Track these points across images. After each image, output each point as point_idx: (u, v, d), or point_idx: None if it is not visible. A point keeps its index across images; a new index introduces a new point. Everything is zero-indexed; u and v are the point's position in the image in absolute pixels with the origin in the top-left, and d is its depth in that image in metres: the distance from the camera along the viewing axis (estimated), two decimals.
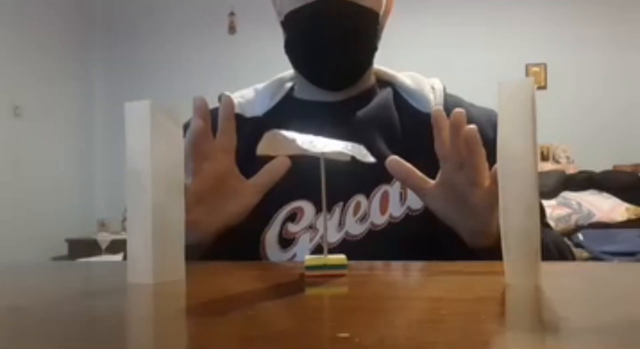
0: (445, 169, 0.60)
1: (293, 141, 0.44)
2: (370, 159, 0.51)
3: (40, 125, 4.07)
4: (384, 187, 0.73)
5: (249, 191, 0.64)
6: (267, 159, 0.62)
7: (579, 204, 2.94)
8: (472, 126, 0.55)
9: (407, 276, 0.53)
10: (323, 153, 0.47)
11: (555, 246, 0.71)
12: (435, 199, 0.62)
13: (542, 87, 3.79)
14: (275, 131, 0.44)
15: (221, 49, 4.35)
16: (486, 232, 0.60)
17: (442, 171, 0.61)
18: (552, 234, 0.76)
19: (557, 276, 0.46)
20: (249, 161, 0.64)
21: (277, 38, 0.82)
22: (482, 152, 0.56)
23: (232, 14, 4.27)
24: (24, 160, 3.91)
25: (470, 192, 0.58)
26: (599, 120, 3.70)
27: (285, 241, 0.72)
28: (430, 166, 0.62)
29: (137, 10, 4.60)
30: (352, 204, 0.73)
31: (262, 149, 0.47)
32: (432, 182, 0.62)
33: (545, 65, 3.85)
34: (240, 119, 0.80)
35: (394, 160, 0.62)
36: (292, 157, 0.63)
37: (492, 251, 0.50)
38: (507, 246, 0.41)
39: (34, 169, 3.96)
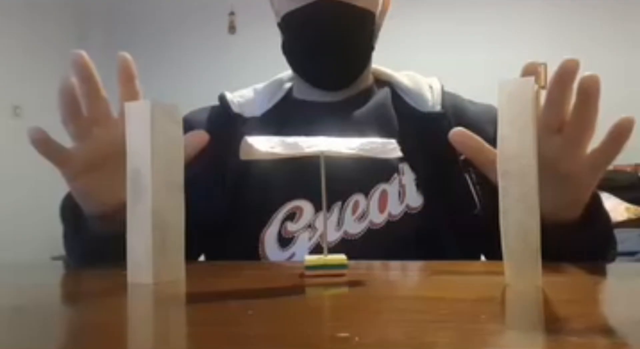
0: None
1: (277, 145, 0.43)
2: (397, 153, 0.49)
3: (40, 125, 4.04)
4: (383, 186, 0.73)
5: None
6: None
7: None
8: (593, 74, 0.49)
9: (407, 275, 0.53)
10: (322, 152, 0.47)
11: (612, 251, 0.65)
12: None
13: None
14: (253, 137, 0.44)
15: (221, 49, 4.34)
16: (580, 201, 0.52)
17: None
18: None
19: (557, 276, 0.46)
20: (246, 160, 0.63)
21: (277, 38, 0.82)
22: (597, 109, 0.50)
23: (232, 14, 4.26)
24: (24, 160, 3.90)
25: (567, 155, 0.51)
26: (599, 120, 3.69)
27: (284, 240, 0.72)
28: (428, 166, 0.62)
29: (137, 10, 4.59)
30: (350, 203, 0.73)
31: (243, 154, 0.46)
32: None
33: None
34: (239, 119, 0.81)
35: (458, 131, 0.55)
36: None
37: (580, 228, 0.48)
38: (507, 246, 0.41)
39: (34, 169, 3.95)
